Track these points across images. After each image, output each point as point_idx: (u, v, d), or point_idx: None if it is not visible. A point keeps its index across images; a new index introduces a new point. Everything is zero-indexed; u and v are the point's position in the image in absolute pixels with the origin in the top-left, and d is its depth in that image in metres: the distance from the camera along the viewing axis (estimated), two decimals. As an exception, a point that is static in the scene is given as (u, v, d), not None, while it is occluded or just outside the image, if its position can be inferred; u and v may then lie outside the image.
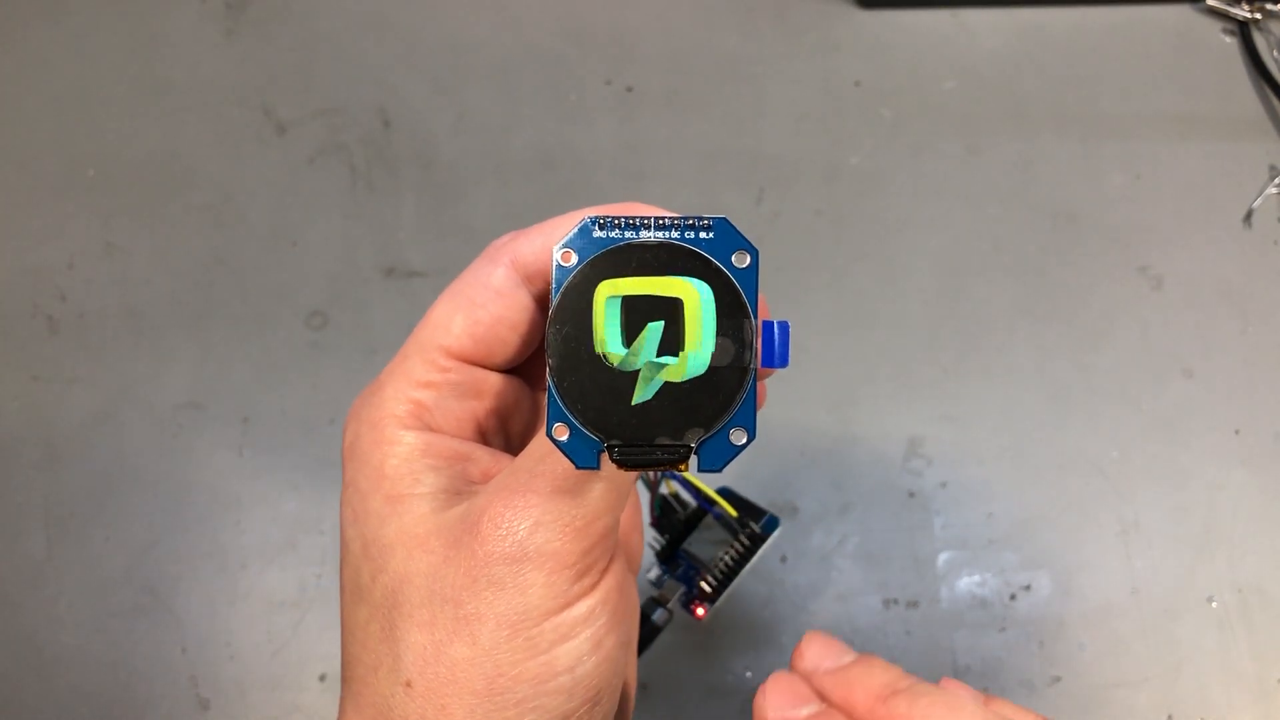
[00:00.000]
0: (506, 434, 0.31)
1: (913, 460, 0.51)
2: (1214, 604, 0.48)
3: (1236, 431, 0.51)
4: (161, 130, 0.57)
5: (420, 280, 0.54)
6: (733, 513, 0.37)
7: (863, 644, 0.48)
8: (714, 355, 0.23)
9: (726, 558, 0.36)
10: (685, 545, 0.37)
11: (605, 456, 0.23)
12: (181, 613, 0.50)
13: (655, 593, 0.37)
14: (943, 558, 0.49)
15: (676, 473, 0.36)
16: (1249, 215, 0.54)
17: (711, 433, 0.23)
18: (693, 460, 0.23)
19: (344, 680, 0.28)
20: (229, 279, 0.54)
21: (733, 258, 0.23)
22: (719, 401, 0.23)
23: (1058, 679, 0.48)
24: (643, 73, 0.57)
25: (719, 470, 0.23)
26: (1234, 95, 0.56)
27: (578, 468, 0.23)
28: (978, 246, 0.54)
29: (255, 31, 0.58)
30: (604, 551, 0.27)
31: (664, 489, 0.37)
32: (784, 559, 0.49)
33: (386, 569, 0.26)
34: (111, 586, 0.50)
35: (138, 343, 0.53)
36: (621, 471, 0.24)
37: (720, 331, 0.23)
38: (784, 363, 0.24)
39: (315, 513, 0.51)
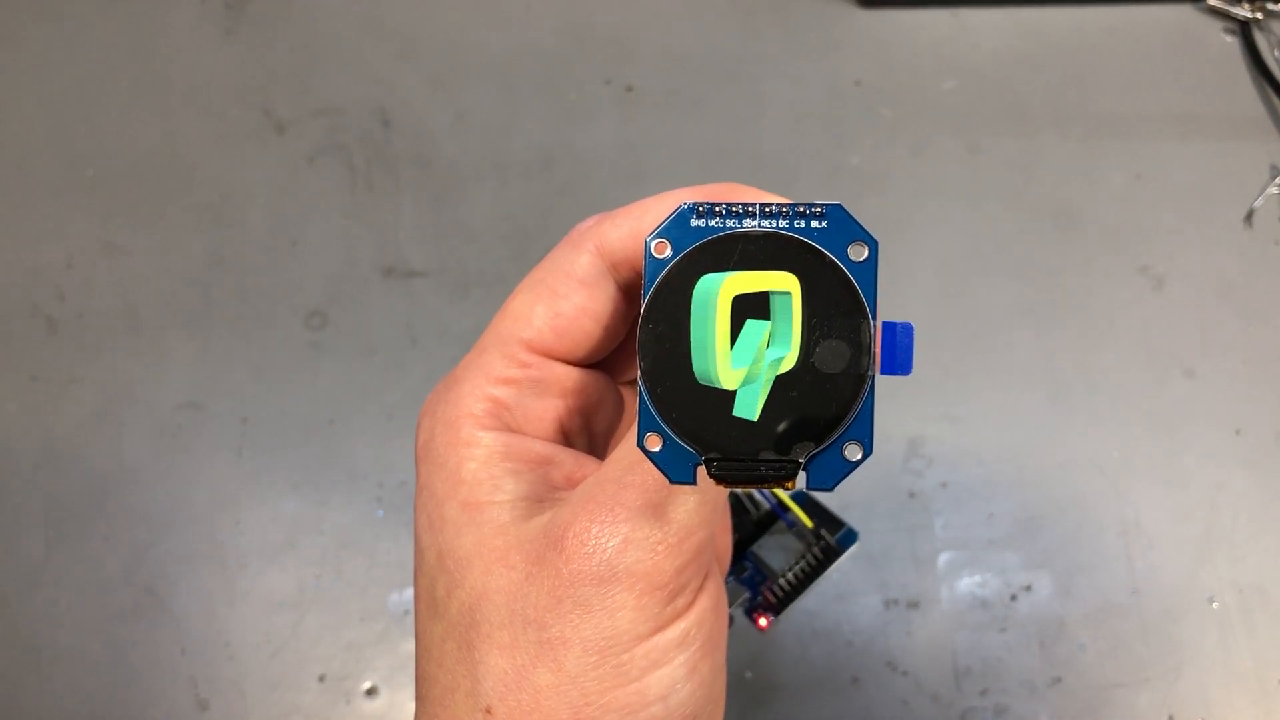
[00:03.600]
0: (591, 434, 0.29)
1: (913, 460, 0.51)
2: (1215, 604, 0.48)
3: (1237, 431, 0.51)
4: (160, 130, 0.57)
5: (420, 280, 0.53)
6: (808, 522, 0.34)
7: (863, 644, 0.48)
8: (827, 360, 0.20)
9: (797, 569, 0.33)
10: (754, 548, 0.34)
11: (702, 471, 0.21)
12: (180, 613, 0.50)
13: None
14: (943, 558, 0.49)
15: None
16: (1250, 215, 0.54)
17: (823, 447, 0.21)
18: (800, 477, 0.21)
19: (419, 698, 0.26)
20: (228, 279, 0.54)
21: (849, 250, 0.21)
22: (832, 412, 0.20)
23: (1058, 680, 0.48)
24: (643, 73, 0.57)
25: (830, 490, 0.21)
26: (1235, 95, 0.56)
27: (672, 482, 0.21)
28: (978, 246, 0.54)
29: (254, 31, 0.58)
30: (698, 569, 0.24)
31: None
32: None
33: (463, 584, 0.25)
34: (110, 587, 0.50)
35: (137, 343, 0.53)
36: (714, 485, 0.22)
37: (835, 334, 0.20)
38: (907, 369, 0.21)
39: (314, 513, 0.50)
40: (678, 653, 0.24)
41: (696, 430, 0.21)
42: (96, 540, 0.50)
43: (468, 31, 0.58)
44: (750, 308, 0.21)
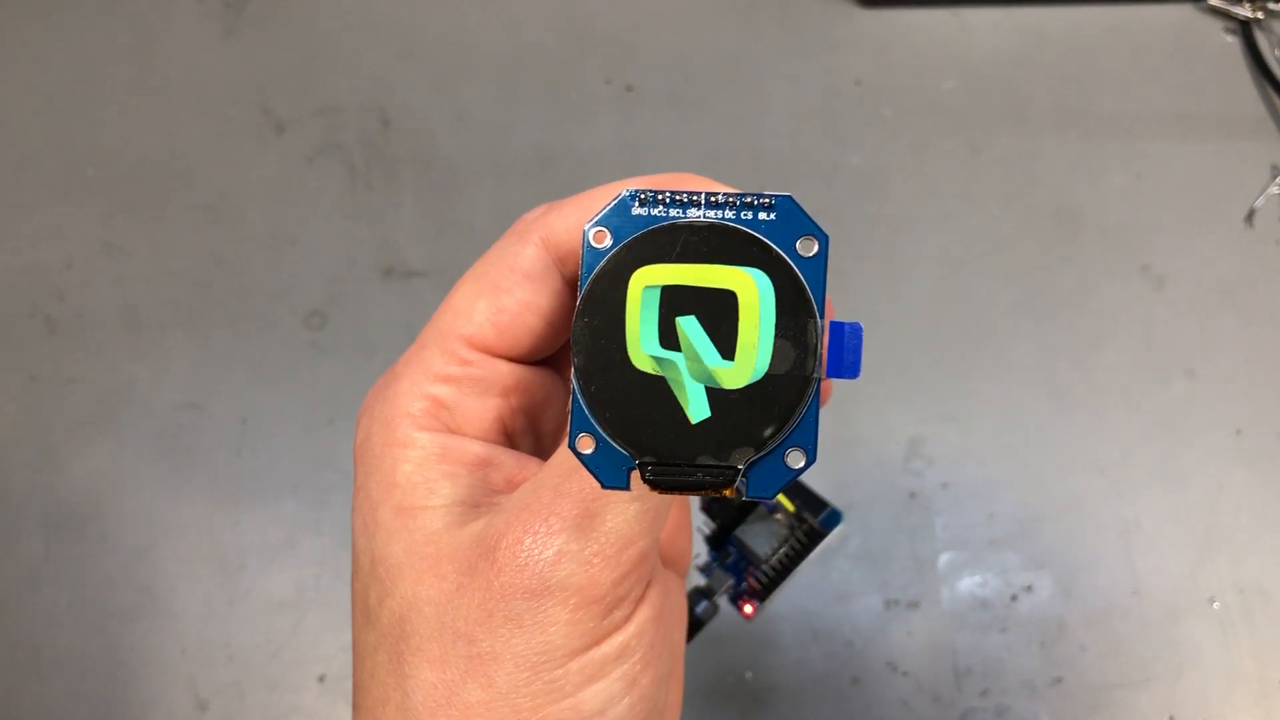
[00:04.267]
0: (537, 434, 0.28)
1: (914, 460, 0.51)
2: (1216, 605, 0.48)
3: (1238, 431, 0.51)
4: (160, 130, 0.57)
5: (419, 280, 0.53)
6: (789, 506, 0.33)
7: (863, 645, 0.48)
8: (771, 361, 0.19)
9: (780, 553, 0.32)
10: (738, 533, 0.33)
11: (636, 476, 0.20)
12: (180, 613, 0.49)
13: (702, 583, 0.34)
14: (944, 558, 0.49)
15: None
16: (1250, 215, 0.54)
17: (764, 453, 0.20)
18: (740, 484, 0.20)
19: (354, 706, 0.26)
20: (227, 279, 0.54)
21: (797, 244, 0.20)
22: (774, 416, 0.19)
23: (1059, 680, 0.48)
24: (643, 72, 0.57)
25: (770, 499, 0.20)
26: (1235, 95, 0.56)
27: (604, 487, 0.20)
28: (978, 246, 0.54)
29: (254, 31, 0.58)
30: (639, 579, 0.23)
31: None
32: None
33: (394, 592, 0.24)
34: (110, 587, 0.50)
35: (136, 343, 0.53)
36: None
37: (780, 333, 0.19)
38: (854, 373, 0.20)
39: (314, 513, 0.50)
40: (615, 666, 0.23)
41: (631, 432, 0.20)
42: (96, 540, 0.50)
43: (468, 31, 0.58)
44: (692, 302, 0.20)
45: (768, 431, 0.19)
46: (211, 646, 0.49)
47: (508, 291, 0.25)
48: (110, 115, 0.57)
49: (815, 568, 0.49)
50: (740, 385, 0.19)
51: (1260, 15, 0.56)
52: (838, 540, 0.34)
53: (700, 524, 0.35)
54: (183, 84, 0.57)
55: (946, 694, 0.47)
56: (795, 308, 0.19)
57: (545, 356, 0.27)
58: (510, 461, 0.26)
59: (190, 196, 0.55)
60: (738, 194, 0.20)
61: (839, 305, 0.53)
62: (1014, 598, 0.49)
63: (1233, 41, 0.57)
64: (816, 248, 0.20)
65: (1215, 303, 0.53)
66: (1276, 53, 0.56)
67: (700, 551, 0.35)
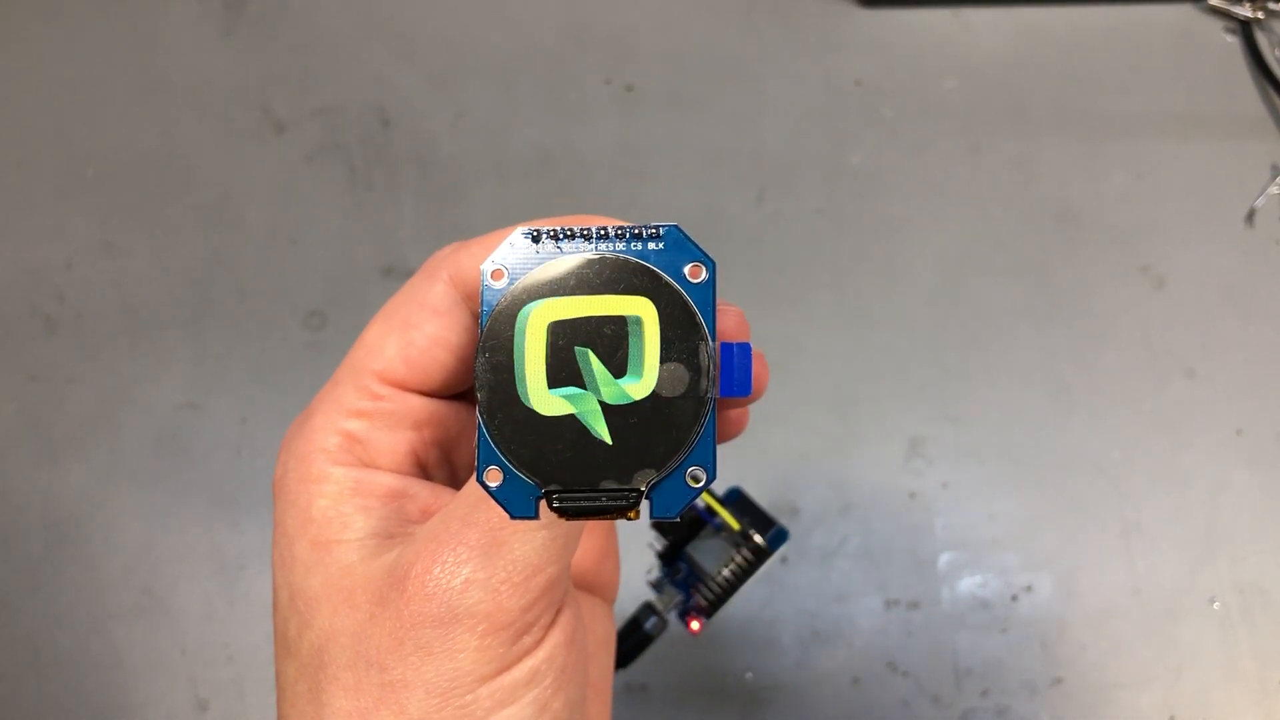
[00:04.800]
0: (451, 466, 0.28)
1: (914, 460, 0.51)
2: (1216, 605, 0.48)
3: (1238, 432, 0.51)
4: (160, 130, 0.57)
5: (419, 280, 0.53)
6: (734, 525, 0.34)
7: (863, 645, 0.48)
8: (666, 385, 0.20)
9: (726, 571, 0.34)
10: (689, 549, 0.34)
11: (544, 505, 0.20)
12: (180, 614, 0.49)
13: (652, 598, 0.35)
14: (944, 558, 0.49)
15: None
16: (1251, 215, 0.54)
17: (665, 474, 0.20)
18: (644, 506, 0.21)
19: None
20: (227, 279, 0.54)
21: (686, 271, 0.21)
22: (673, 437, 0.20)
23: (1059, 680, 0.48)
24: (643, 72, 0.57)
25: (674, 518, 0.21)
26: (1236, 95, 0.56)
27: (513, 517, 0.21)
28: (978, 246, 0.54)
29: (253, 31, 0.58)
30: (549, 605, 0.24)
31: None
32: (784, 559, 0.49)
33: (312, 624, 0.24)
34: (110, 587, 0.50)
35: (136, 343, 0.53)
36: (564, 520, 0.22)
37: (673, 357, 0.20)
38: (745, 390, 0.21)
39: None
40: (525, 691, 0.24)
41: (535, 462, 0.20)
42: (96, 540, 0.50)
43: (468, 31, 0.58)
44: (586, 334, 0.20)
45: (667, 452, 0.20)
46: (211, 646, 0.49)
47: (417, 327, 0.26)
48: (110, 115, 0.57)
49: (815, 567, 0.49)
50: (638, 410, 0.20)
51: (1260, 15, 0.56)
52: (778, 560, 0.35)
53: (651, 540, 0.36)
54: (183, 84, 0.57)
55: (946, 694, 0.47)
56: (686, 332, 0.20)
57: (459, 391, 0.28)
58: (425, 492, 0.26)
59: (190, 196, 0.55)
60: (627, 226, 0.21)
61: (836, 304, 0.53)
62: (1014, 598, 0.49)
63: (1233, 41, 0.57)
64: (705, 274, 0.21)
65: (1215, 303, 0.53)
66: (1276, 53, 0.56)
67: (652, 567, 0.36)
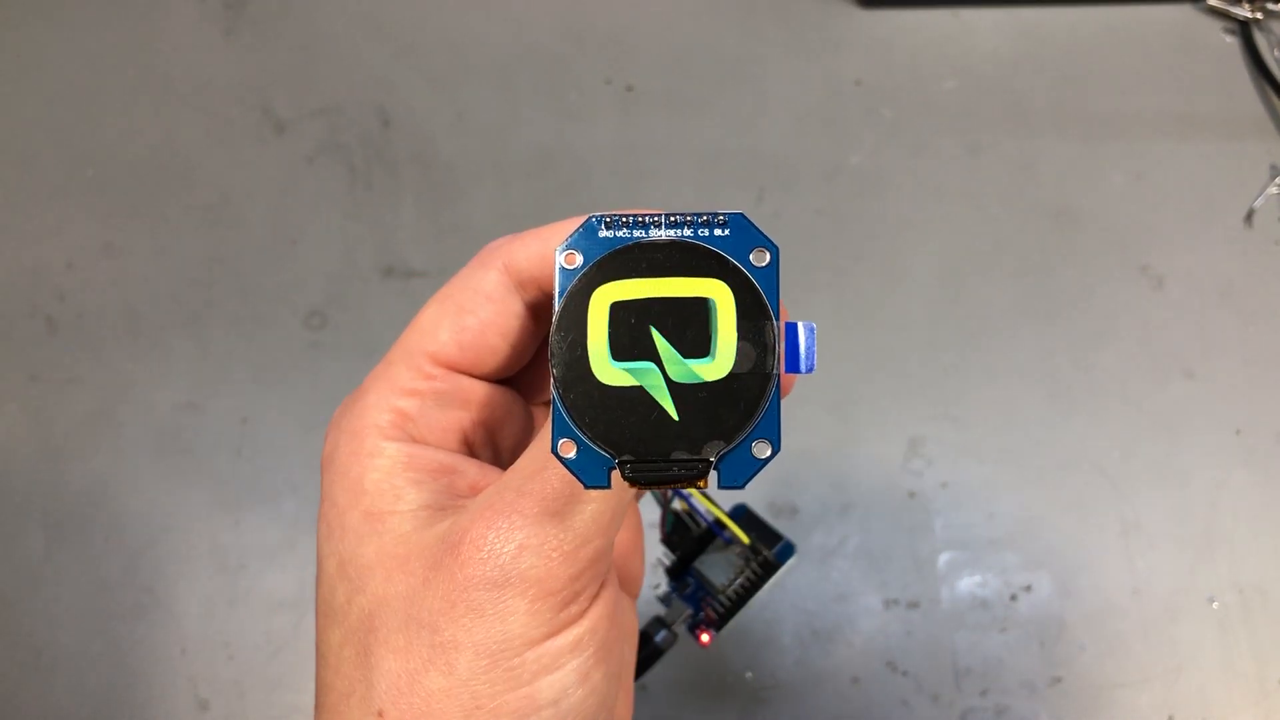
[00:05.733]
0: (496, 448, 0.29)
1: (913, 460, 0.51)
2: (1215, 604, 0.48)
3: (1237, 432, 0.51)
4: (160, 130, 0.57)
5: (419, 280, 0.53)
6: (744, 539, 0.35)
7: (863, 644, 0.48)
8: (734, 361, 0.21)
9: (736, 584, 0.34)
10: (696, 564, 0.35)
11: (616, 474, 0.21)
12: (180, 613, 0.50)
13: (662, 612, 0.35)
14: (943, 558, 0.49)
15: (685, 492, 0.34)
16: (1250, 215, 0.54)
17: (732, 446, 0.21)
18: (712, 476, 0.22)
19: (316, 707, 0.26)
20: (228, 279, 0.54)
21: (751, 255, 0.22)
22: (740, 411, 0.21)
23: (1059, 680, 0.48)
24: (643, 72, 0.57)
25: (741, 487, 0.22)
26: (1235, 95, 0.56)
27: (587, 487, 0.22)
28: (978, 246, 0.54)
29: (254, 31, 0.58)
30: (594, 577, 0.25)
31: (676, 504, 0.35)
32: (789, 570, 0.49)
33: (364, 590, 0.25)
34: (110, 587, 0.50)
35: (136, 342, 0.53)
36: (617, 493, 0.22)
37: (740, 335, 0.21)
38: (810, 367, 0.22)
39: (314, 513, 0.50)
40: (570, 658, 0.24)
41: (609, 434, 0.21)
42: (96, 540, 0.50)
43: (468, 31, 0.58)
44: (659, 312, 0.21)
45: (735, 425, 0.21)
46: (212, 646, 0.49)
47: (471, 312, 0.27)
48: (111, 115, 0.57)
49: (815, 567, 0.49)
50: (708, 385, 0.21)
51: (1259, 15, 0.56)
52: (785, 574, 0.35)
53: (660, 555, 0.36)
54: (183, 84, 0.57)
55: (946, 694, 0.48)
56: (752, 312, 0.21)
57: (507, 376, 0.29)
58: (473, 469, 0.27)
59: (190, 196, 0.55)
60: (695, 213, 0.22)
61: (836, 304, 0.53)
62: (1014, 598, 0.49)
63: (1232, 42, 0.57)
64: (769, 258, 0.22)
65: (1215, 303, 0.53)
66: (1276, 53, 0.56)
67: (660, 583, 0.37)
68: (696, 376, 0.21)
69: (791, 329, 0.22)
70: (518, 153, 0.56)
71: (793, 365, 0.22)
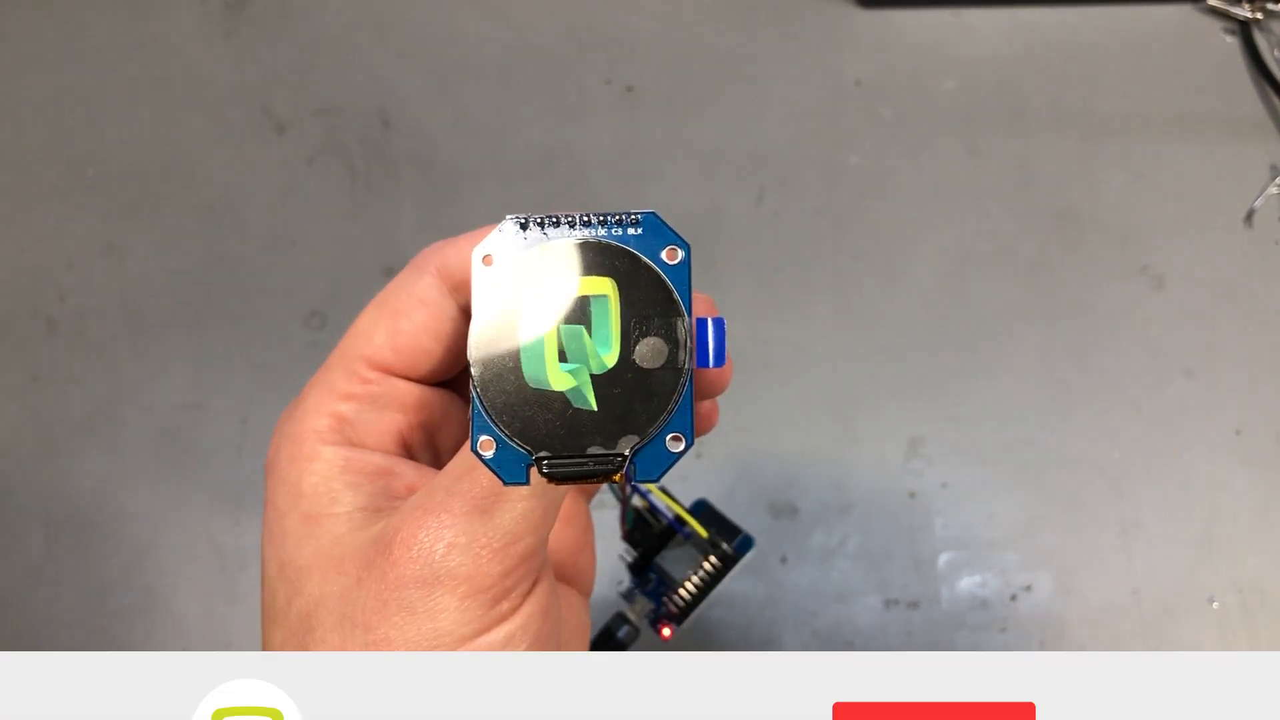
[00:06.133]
0: (435, 450, 0.30)
1: (913, 460, 0.51)
2: (1215, 605, 0.48)
3: (1238, 432, 0.51)
4: (160, 130, 0.57)
5: (420, 280, 0.53)
6: (702, 533, 0.35)
7: (863, 645, 0.48)
8: (647, 357, 0.22)
9: (695, 578, 0.35)
10: (658, 560, 0.36)
11: (534, 471, 0.22)
12: (181, 614, 0.50)
13: (625, 607, 0.36)
14: (943, 558, 0.49)
15: (644, 489, 0.35)
16: (1250, 215, 0.54)
17: (647, 440, 0.22)
18: (629, 469, 0.22)
19: None
20: (228, 279, 0.54)
21: (663, 254, 0.22)
22: (654, 406, 0.22)
23: (1058, 680, 0.48)
24: (643, 73, 0.57)
25: (656, 480, 0.22)
26: (1235, 95, 0.56)
27: (505, 484, 0.22)
28: (978, 246, 0.54)
29: (254, 31, 0.58)
30: (526, 574, 0.25)
31: (636, 501, 0.36)
32: (784, 559, 0.49)
33: (302, 592, 0.26)
34: (110, 587, 0.50)
35: (136, 343, 0.53)
36: (550, 488, 0.23)
37: (653, 332, 0.22)
38: (720, 362, 0.23)
39: (314, 513, 0.50)
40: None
41: (526, 430, 0.22)
42: (96, 540, 0.50)
43: (468, 31, 0.58)
44: (574, 311, 0.22)
45: (648, 419, 0.22)
46: (212, 647, 0.49)
47: (405, 315, 0.27)
48: (111, 116, 0.57)
49: (815, 567, 0.49)
50: (621, 380, 0.22)
51: (1260, 15, 0.56)
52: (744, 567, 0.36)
53: (623, 552, 0.37)
54: (183, 84, 0.57)
55: (946, 694, 0.47)
56: (665, 309, 0.22)
57: (444, 379, 0.29)
58: (410, 471, 0.28)
59: (190, 196, 0.55)
60: (608, 213, 0.23)
61: (837, 304, 0.53)
62: (1014, 597, 0.49)
63: (1232, 42, 0.57)
64: (680, 255, 0.23)
65: (1215, 303, 0.53)
66: (1276, 53, 0.56)
67: (624, 579, 0.37)
68: (609, 372, 0.22)
69: (701, 325, 0.23)
70: (517, 153, 0.56)
71: (702, 360, 0.23)
